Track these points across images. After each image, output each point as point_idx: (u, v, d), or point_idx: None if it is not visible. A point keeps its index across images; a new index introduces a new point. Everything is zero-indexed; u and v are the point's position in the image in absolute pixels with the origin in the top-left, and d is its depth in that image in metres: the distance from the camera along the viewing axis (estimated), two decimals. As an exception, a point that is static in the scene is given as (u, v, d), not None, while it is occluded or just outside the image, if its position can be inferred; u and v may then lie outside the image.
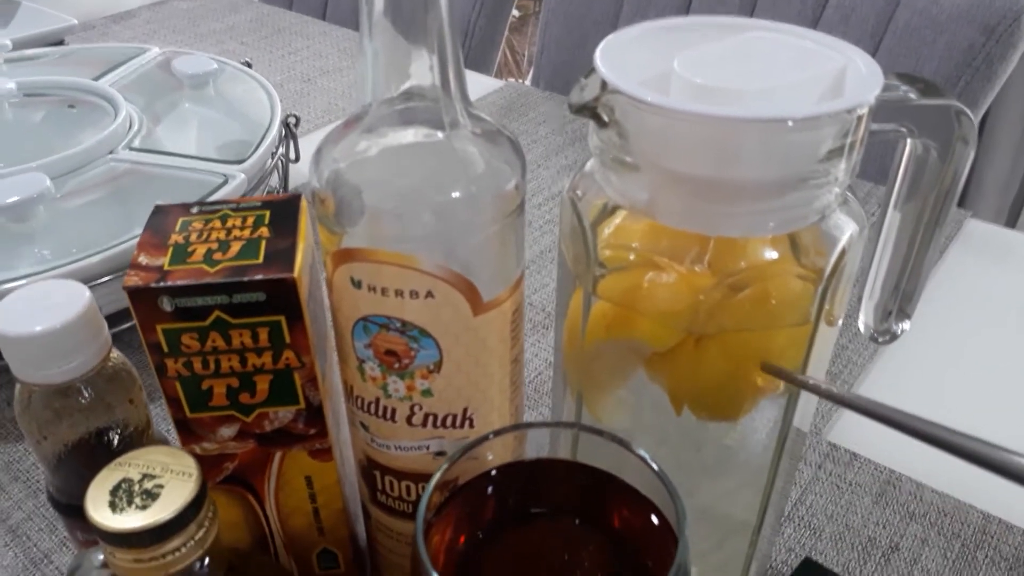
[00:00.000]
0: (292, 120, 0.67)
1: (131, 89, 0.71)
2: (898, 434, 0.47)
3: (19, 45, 0.78)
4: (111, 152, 0.62)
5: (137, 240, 0.51)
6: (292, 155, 0.68)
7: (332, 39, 1.07)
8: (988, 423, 0.49)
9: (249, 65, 0.75)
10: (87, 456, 0.31)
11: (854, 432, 0.49)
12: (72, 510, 0.32)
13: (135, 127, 0.65)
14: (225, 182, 0.58)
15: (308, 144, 0.73)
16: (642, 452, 0.25)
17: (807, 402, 0.31)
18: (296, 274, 0.28)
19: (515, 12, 1.17)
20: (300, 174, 0.75)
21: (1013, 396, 0.51)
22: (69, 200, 0.57)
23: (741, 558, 0.36)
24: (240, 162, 0.60)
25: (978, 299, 0.60)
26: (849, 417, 0.50)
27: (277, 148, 0.65)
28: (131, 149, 0.63)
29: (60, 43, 0.90)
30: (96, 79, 0.72)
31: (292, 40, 1.07)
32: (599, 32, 1.03)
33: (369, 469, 0.34)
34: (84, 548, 0.33)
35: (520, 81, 2.36)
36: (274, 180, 0.66)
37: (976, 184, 1.25)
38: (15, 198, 0.52)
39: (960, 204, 1.25)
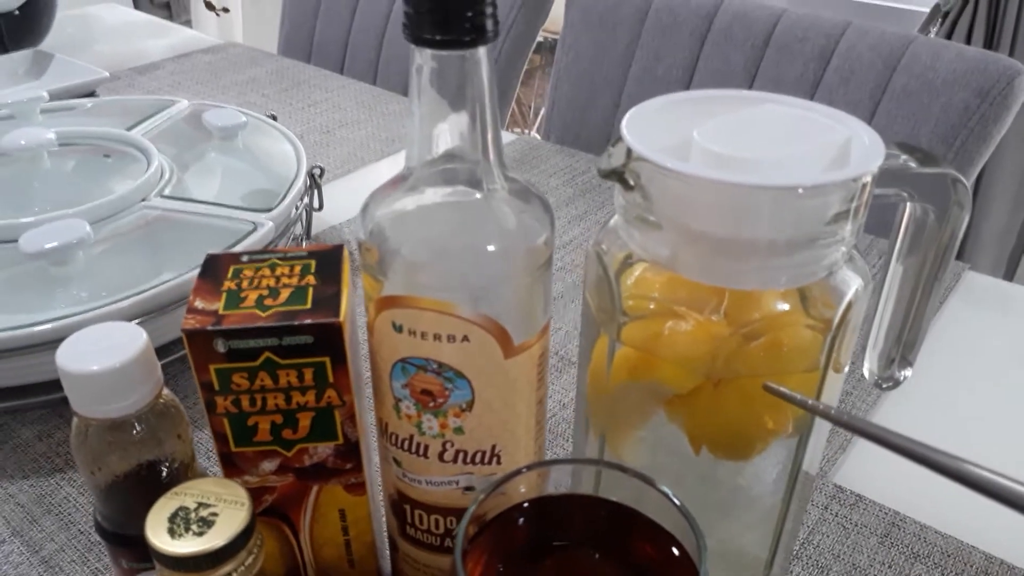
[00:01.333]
0: (317, 171, 0.70)
1: (162, 139, 0.74)
2: (903, 477, 0.49)
3: (54, 96, 0.81)
4: (144, 200, 0.64)
5: (171, 283, 0.54)
6: (316, 204, 0.71)
7: (350, 92, 1.11)
8: (988, 465, 0.51)
9: (275, 118, 0.79)
10: (136, 487, 0.33)
11: (859, 474, 0.50)
12: (119, 539, 0.34)
13: (166, 176, 0.68)
14: (254, 229, 0.61)
15: (329, 192, 0.75)
16: (664, 488, 0.27)
17: (815, 446, 0.33)
18: (342, 319, 0.30)
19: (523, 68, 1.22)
20: (322, 222, 0.77)
21: (1012, 444, 0.53)
22: (104, 245, 0.60)
23: (752, 597, 0.37)
24: (268, 210, 0.63)
25: (977, 350, 0.62)
26: (854, 460, 0.51)
27: (302, 197, 0.68)
28: (163, 197, 0.65)
29: (91, 94, 0.94)
30: (129, 129, 0.75)
31: (311, 93, 1.11)
32: (607, 91, 1.06)
33: (400, 503, 0.36)
34: (126, 575, 0.35)
35: (527, 132, 2.41)
36: (298, 228, 0.69)
37: (974, 237, 1.28)
38: (57, 243, 0.54)
39: (958, 257, 1.29)
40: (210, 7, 1.41)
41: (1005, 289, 0.70)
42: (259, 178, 0.71)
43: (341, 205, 0.80)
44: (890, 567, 0.45)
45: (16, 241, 0.55)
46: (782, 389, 0.29)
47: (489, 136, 0.29)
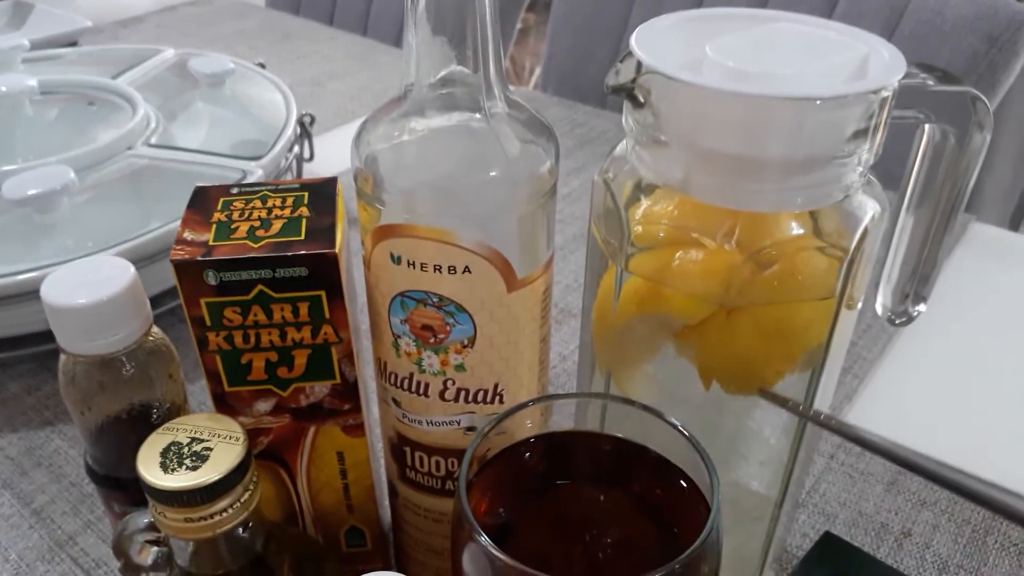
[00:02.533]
0: (307, 119, 0.68)
1: (148, 88, 0.72)
2: (909, 425, 0.49)
3: (35, 46, 0.79)
4: (130, 148, 0.62)
5: (159, 231, 0.52)
6: (307, 154, 0.69)
7: (340, 44, 1.08)
8: (992, 418, 0.51)
9: (263, 67, 0.77)
10: (127, 429, 0.32)
11: (865, 424, 0.49)
12: (110, 481, 0.33)
13: (152, 124, 0.66)
14: (243, 178, 0.59)
15: (321, 145, 0.74)
16: (674, 420, 0.26)
17: (825, 387, 0.32)
18: (337, 249, 0.29)
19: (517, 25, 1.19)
20: (313, 174, 0.76)
21: (1016, 388, 0.52)
22: (90, 193, 0.58)
23: (759, 540, 0.37)
24: (257, 158, 0.61)
25: (983, 300, 0.61)
26: (861, 409, 0.51)
27: (292, 146, 0.66)
28: (149, 145, 0.63)
29: (73, 44, 0.91)
30: (114, 78, 0.73)
31: (301, 45, 1.08)
32: (606, 41, 1.04)
33: (400, 445, 0.35)
34: (119, 520, 0.34)
35: (523, 88, 2.38)
36: (288, 179, 0.67)
37: (979, 190, 1.26)
38: (41, 189, 0.52)
39: (964, 209, 1.27)
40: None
41: (1011, 240, 0.69)
42: (248, 127, 0.69)
43: (333, 157, 0.79)
44: (896, 514, 0.44)
45: (-1, 189, 0.54)
46: (784, 397, 0.28)
47: (491, 56, 0.28)
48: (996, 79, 0.77)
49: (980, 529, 0.43)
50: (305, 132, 0.68)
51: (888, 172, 0.43)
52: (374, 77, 0.98)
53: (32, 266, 0.50)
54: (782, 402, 0.29)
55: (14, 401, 0.52)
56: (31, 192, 0.53)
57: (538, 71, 2.51)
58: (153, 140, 0.64)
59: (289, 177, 0.67)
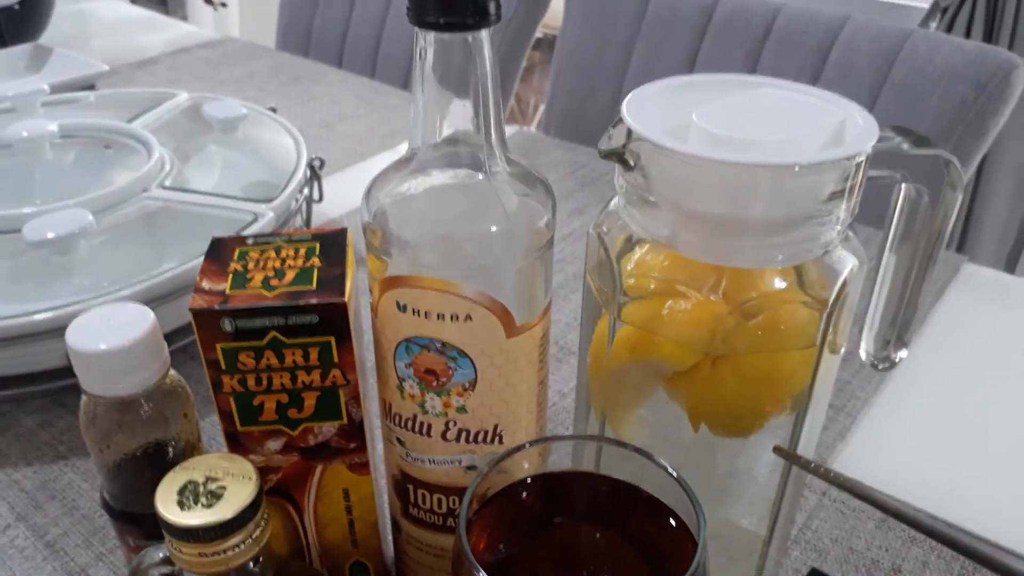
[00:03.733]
0: (317, 162, 0.71)
1: (162, 131, 0.75)
2: (900, 464, 0.50)
3: (55, 90, 0.81)
4: (145, 190, 0.65)
5: (172, 273, 0.54)
6: (316, 195, 0.71)
7: (349, 86, 1.11)
8: (984, 459, 0.52)
9: (274, 111, 0.79)
10: (144, 466, 0.34)
11: (858, 461, 0.51)
12: (126, 516, 0.35)
13: (167, 167, 0.68)
14: (255, 220, 0.61)
15: (330, 186, 0.76)
16: (663, 462, 0.28)
17: (811, 428, 0.34)
18: (346, 299, 0.31)
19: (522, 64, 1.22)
20: (322, 214, 0.78)
21: (1007, 429, 0.54)
22: (106, 235, 0.60)
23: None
24: (269, 201, 0.64)
25: (975, 340, 0.62)
26: (853, 447, 0.52)
27: (302, 189, 0.68)
28: (164, 188, 0.66)
29: (91, 88, 0.94)
30: (129, 121, 0.75)
31: (310, 87, 1.11)
32: (607, 84, 1.07)
33: (403, 483, 0.36)
34: (134, 553, 0.35)
35: (526, 128, 2.41)
36: (298, 220, 0.69)
37: (975, 231, 1.28)
38: (61, 232, 0.55)
39: (959, 250, 1.30)
40: (208, 2, 1.41)
41: (1004, 281, 0.71)
42: (259, 170, 0.72)
43: (341, 198, 0.81)
44: (887, 551, 0.45)
45: (19, 231, 0.56)
46: (791, 453, 0.30)
47: (491, 118, 0.30)
48: (985, 125, 0.79)
49: (969, 566, 0.44)
50: (315, 175, 0.70)
51: (880, 213, 0.45)
52: (382, 119, 1.00)
53: (48, 306, 0.52)
54: (792, 458, 0.31)
55: (28, 436, 0.54)
56: (50, 235, 0.55)
57: (542, 108, 2.55)
58: (167, 183, 0.66)
59: (299, 218, 0.69)
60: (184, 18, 2.72)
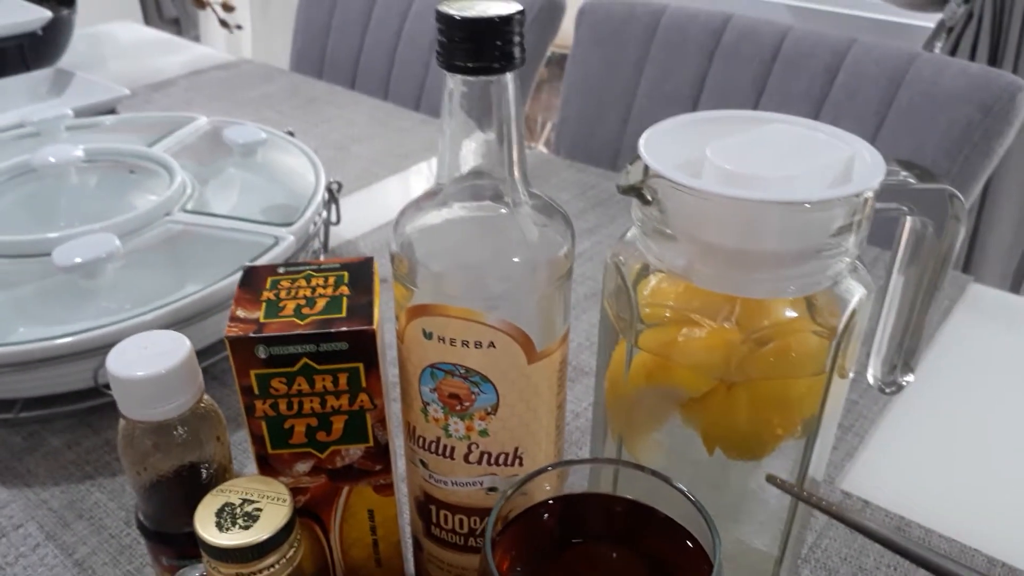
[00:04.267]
0: (335, 186, 0.72)
1: (183, 155, 0.76)
2: (907, 484, 0.51)
3: (77, 113, 0.83)
4: (167, 214, 0.66)
5: (196, 296, 0.56)
6: (334, 218, 0.73)
7: (363, 108, 1.13)
8: (991, 477, 0.53)
9: (292, 134, 0.81)
10: (178, 487, 0.35)
11: (866, 481, 0.52)
12: (160, 536, 0.36)
13: (188, 191, 0.70)
14: (275, 243, 0.63)
15: (344, 207, 0.77)
16: (680, 485, 0.29)
17: (821, 451, 0.35)
18: (375, 326, 0.32)
19: (534, 82, 1.24)
20: (338, 236, 0.79)
21: (1013, 449, 0.55)
22: (129, 258, 0.61)
23: (762, 595, 0.39)
24: (288, 224, 0.65)
25: (980, 360, 0.63)
26: (861, 467, 0.53)
27: (320, 212, 0.70)
28: (185, 211, 0.67)
29: (112, 111, 0.96)
30: (150, 145, 0.77)
31: (324, 109, 1.13)
32: (616, 107, 1.09)
33: (426, 504, 0.37)
34: (167, 572, 0.37)
35: (535, 145, 2.44)
36: (315, 243, 0.70)
37: (980, 251, 1.29)
38: (88, 256, 0.56)
39: (964, 270, 1.31)
40: (224, 25, 1.43)
41: (1009, 301, 0.72)
42: (278, 193, 0.73)
43: (356, 219, 0.82)
44: (896, 569, 0.46)
45: (47, 255, 0.57)
46: (785, 481, 0.31)
47: (515, 154, 0.31)
48: (991, 147, 0.80)
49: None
50: (333, 198, 0.72)
51: (889, 233, 0.46)
52: (396, 142, 1.02)
53: (74, 328, 0.53)
54: (785, 487, 0.32)
55: (55, 455, 0.55)
56: (78, 260, 0.56)
57: (549, 125, 2.58)
58: (189, 206, 0.68)
59: (317, 241, 0.70)
60: (197, 39, 2.76)
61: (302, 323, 0.32)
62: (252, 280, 0.35)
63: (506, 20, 0.29)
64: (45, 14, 1.04)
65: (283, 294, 0.34)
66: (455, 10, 0.29)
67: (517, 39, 0.29)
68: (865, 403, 0.58)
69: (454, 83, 0.30)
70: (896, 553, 0.28)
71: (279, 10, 2.55)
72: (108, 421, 0.57)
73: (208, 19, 2.58)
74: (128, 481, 0.52)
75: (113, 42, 1.42)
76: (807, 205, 0.27)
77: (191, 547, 0.34)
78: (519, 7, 0.29)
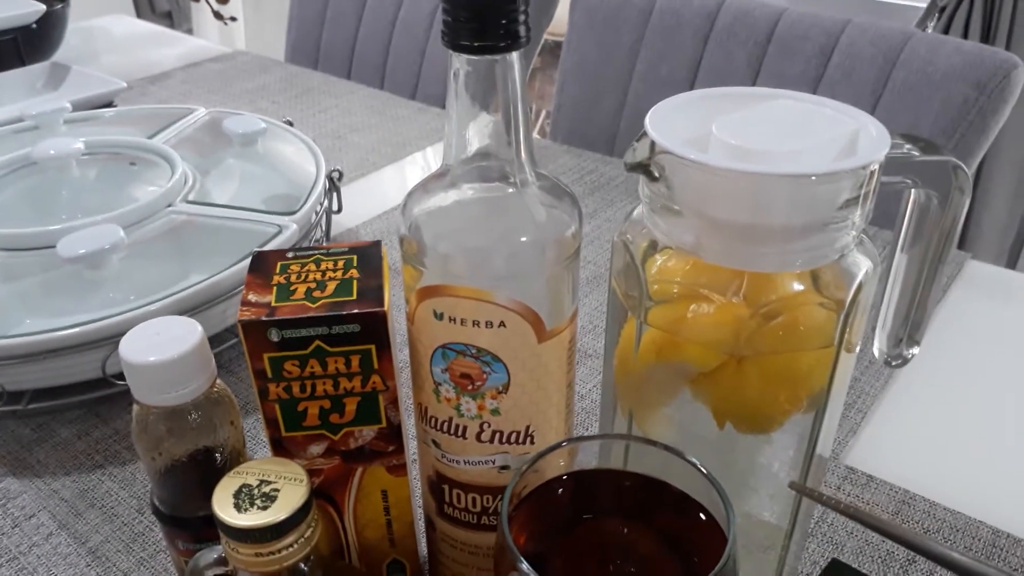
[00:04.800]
0: (336, 174, 0.72)
1: (183, 146, 0.76)
2: (911, 458, 0.52)
3: (76, 107, 0.83)
4: (170, 205, 0.66)
5: (202, 285, 0.56)
6: (335, 207, 0.73)
7: (359, 98, 1.13)
8: (992, 450, 0.53)
9: (291, 124, 0.81)
10: (192, 472, 0.35)
11: (870, 456, 0.53)
12: (175, 520, 0.36)
13: (190, 182, 0.70)
14: (279, 232, 0.63)
15: (344, 196, 0.78)
16: (692, 459, 0.30)
17: (828, 426, 0.35)
18: (386, 308, 0.32)
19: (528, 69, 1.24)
20: (339, 224, 0.80)
21: (1014, 421, 0.55)
22: (133, 249, 0.62)
23: (771, 568, 0.39)
24: (291, 213, 0.65)
25: (979, 335, 0.64)
26: (865, 443, 0.54)
27: (322, 201, 0.70)
28: (188, 202, 0.67)
29: (110, 104, 0.96)
30: (150, 137, 0.77)
31: (321, 99, 1.13)
32: (612, 91, 1.09)
33: (438, 483, 0.38)
34: (183, 556, 0.37)
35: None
36: (317, 232, 0.71)
37: (976, 228, 1.30)
38: (93, 248, 0.56)
39: (960, 247, 1.31)
40: (218, 16, 1.43)
41: (1006, 277, 0.72)
42: (278, 182, 0.73)
43: (357, 208, 0.83)
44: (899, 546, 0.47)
45: (52, 247, 0.57)
46: (804, 487, 0.32)
47: (521, 134, 0.32)
48: (986, 124, 0.80)
49: (981, 557, 0.45)
50: (334, 186, 0.72)
51: (887, 212, 0.46)
52: (393, 130, 1.02)
53: (80, 319, 0.54)
54: (807, 492, 0.32)
55: (65, 446, 0.56)
56: (83, 251, 0.56)
57: (544, 114, 2.57)
58: (191, 197, 0.68)
59: (319, 229, 0.70)
60: (189, 31, 2.75)
61: (313, 306, 0.32)
62: (262, 265, 0.35)
63: (511, -1, 0.29)
64: (39, 7, 1.04)
65: (293, 278, 0.34)
66: (460, -10, 0.29)
67: (522, 17, 0.29)
68: (867, 380, 0.59)
69: (460, 63, 0.30)
70: (914, 551, 0.29)
71: (272, 2, 2.54)
72: (117, 411, 0.58)
73: (200, 12, 2.57)
74: (143, 467, 0.52)
75: (107, 36, 1.41)
76: (813, 178, 0.28)
77: (207, 530, 0.35)
78: (523, -14, 0.29)
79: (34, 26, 1.03)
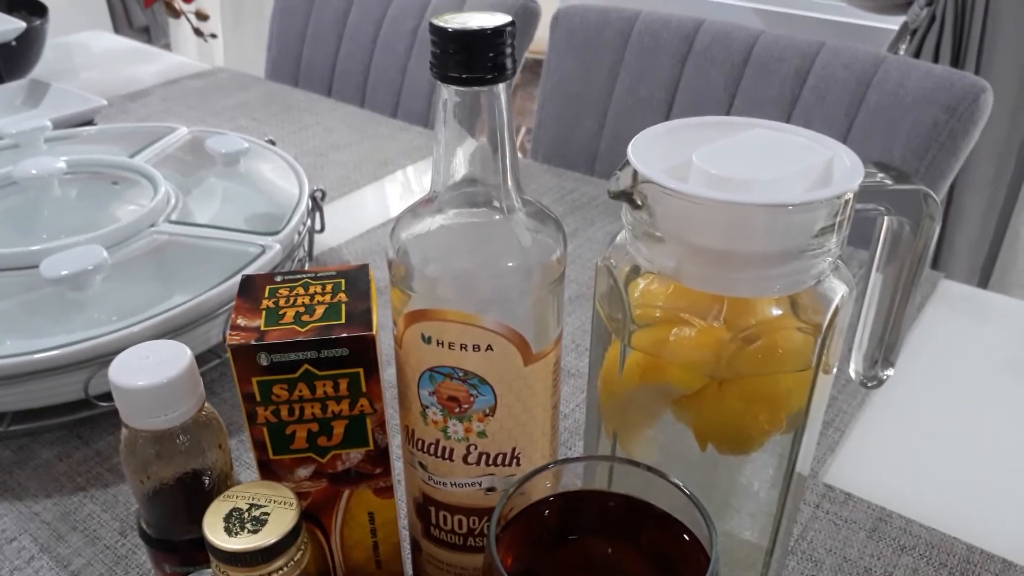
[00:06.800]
0: (319, 194, 0.73)
1: (165, 165, 0.77)
2: (888, 476, 0.53)
3: (56, 125, 0.83)
4: (152, 225, 0.66)
5: (186, 306, 0.56)
6: (318, 226, 0.73)
7: (339, 115, 1.13)
8: (965, 466, 0.55)
9: (273, 143, 0.81)
10: (180, 495, 0.35)
11: (848, 474, 0.54)
12: (162, 544, 0.36)
13: (172, 201, 0.70)
14: (262, 252, 0.63)
15: (327, 214, 0.78)
16: (676, 479, 0.30)
17: (807, 446, 0.36)
18: (374, 332, 0.33)
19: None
20: (322, 244, 0.80)
21: (987, 439, 0.56)
22: (116, 269, 0.62)
23: (752, 586, 0.40)
24: (274, 233, 0.66)
25: (954, 354, 0.65)
26: (843, 461, 0.55)
27: (305, 220, 0.70)
28: (170, 222, 0.68)
29: (90, 122, 0.96)
30: (132, 156, 0.77)
31: (302, 116, 1.13)
32: (592, 112, 1.10)
33: (425, 505, 0.38)
34: (170, 580, 0.37)
35: (508, 151, 2.44)
36: (300, 251, 0.71)
37: (948, 247, 1.32)
38: (77, 268, 0.56)
39: (934, 266, 1.34)
40: (199, 34, 1.43)
41: (978, 296, 0.74)
42: (261, 202, 0.74)
43: (339, 226, 0.83)
44: (879, 559, 0.48)
45: (34, 267, 0.57)
46: None
47: (507, 161, 0.32)
48: (957, 146, 0.82)
49: (956, 572, 0.46)
50: (316, 206, 0.73)
51: (863, 233, 0.48)
52: (374, 148, 1.03)
53: (63, 341, 0.54)
54: None
55: (47, 468, 0.55)
56: (65, 272, 0.56)
57: (524, 130, 2.59)
58: (174, 217, 0.68)
59: (302, 249, 0.71)
60: (167, 46, 2.74)
61: (302, 330, 0.33)
62: (250, 289, 0.36)
63: (497, 32, 0.30)
64: (19, 24, 1.03)
65: (282, 302, 0.35)
66: (448, 23, 0.30)
67: (508, 51, 0.30)
68: (844, 399, 0.60)
69: (448, 93, 0.31)
70: None
71: (251, 18, 2.55)
72: (99, 433, 0.57)
73: (179, 27, 2.56)
74: (129, 489, 0.52)
75: (85, 52, 1.41)
76: (790, 207, 0.28)
77: (194, 553, 0.35)
78: (509, 19, 0.30)
79: (13, 43, 1.03)
